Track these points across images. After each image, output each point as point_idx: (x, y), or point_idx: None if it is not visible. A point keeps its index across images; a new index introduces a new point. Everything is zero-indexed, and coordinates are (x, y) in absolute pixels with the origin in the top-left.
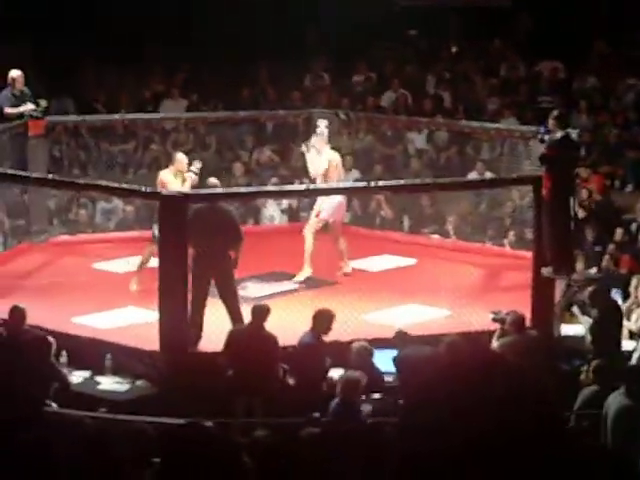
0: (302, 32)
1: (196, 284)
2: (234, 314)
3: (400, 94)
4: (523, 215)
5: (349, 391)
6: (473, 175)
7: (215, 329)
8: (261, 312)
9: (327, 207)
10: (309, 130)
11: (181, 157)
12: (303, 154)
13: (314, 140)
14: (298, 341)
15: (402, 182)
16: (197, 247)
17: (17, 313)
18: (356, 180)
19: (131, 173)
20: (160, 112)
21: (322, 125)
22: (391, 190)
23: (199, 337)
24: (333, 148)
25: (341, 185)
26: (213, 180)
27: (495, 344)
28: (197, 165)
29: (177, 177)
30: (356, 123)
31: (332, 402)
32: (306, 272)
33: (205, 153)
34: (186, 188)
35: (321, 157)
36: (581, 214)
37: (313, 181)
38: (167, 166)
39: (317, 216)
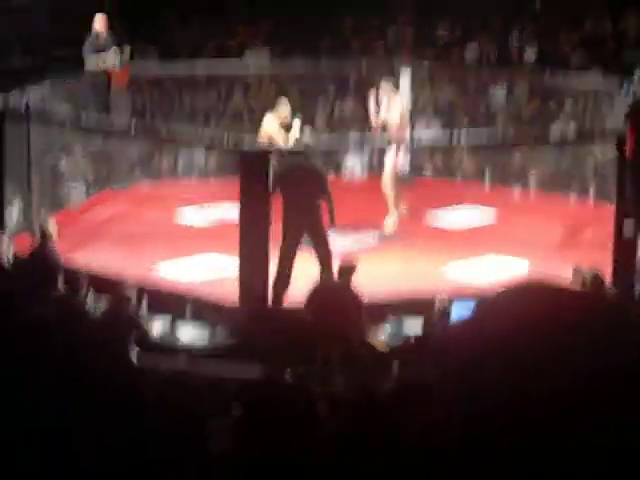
0: None
1: (287, 235)
2: (325, 264)
3: (484, 47)
4: (605, 170)
5: None
6: (557, 126)
7: (294, 284)
8: (348, 269)
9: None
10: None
11: (286, 103)
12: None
13: (386, 87)
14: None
15: (485, 136)
16: (286, 198)
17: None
18: (438, 132)
19: (213, 123)
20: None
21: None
22: (475, 144)
23: (287, 287)
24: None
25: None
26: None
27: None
28: (298, 122)
29: (281, 126)
30: (439, 74)
31: None
32: (393, 216)
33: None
34: (292, 137)
35: (393, 106)
36: None
37: (378, 128)
38: (264, 112)
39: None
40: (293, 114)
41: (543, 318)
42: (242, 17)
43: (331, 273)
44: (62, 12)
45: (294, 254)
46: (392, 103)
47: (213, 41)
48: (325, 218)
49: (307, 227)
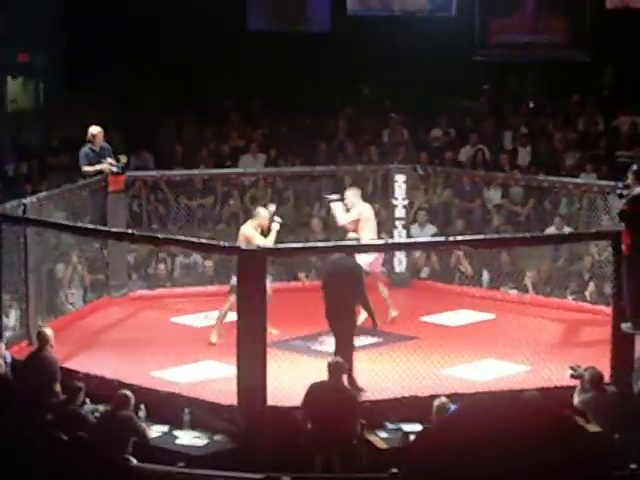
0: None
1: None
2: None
3: (477, 149)
4: (602, 270)
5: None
6: (551, 230)
7: (292, 383)
8: (337, 368)
9: (365, 259)
10: (387, 185)
11: (263, 212)
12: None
13: (348, 194)
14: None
15: (481, 237)
16: (328, 298)
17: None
18: (433, 235)
19: (210, 228)
20: (239, 167)
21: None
22: (470, 245)
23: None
24: (410, 202)
25: (422, 240)
26: (353, 234)
27: (576, 400)
28: (278, 220)
29: (261, 232)
30: (434, 178)
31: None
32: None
33: (283, 208)
34: (270, 241)
35: (352, 210)
36: None
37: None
38: (245, 221)
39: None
40: (272, 217)
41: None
42: (237, 123)
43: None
44: (58, 119)
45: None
46: (353, 209)
47: (208, 146)
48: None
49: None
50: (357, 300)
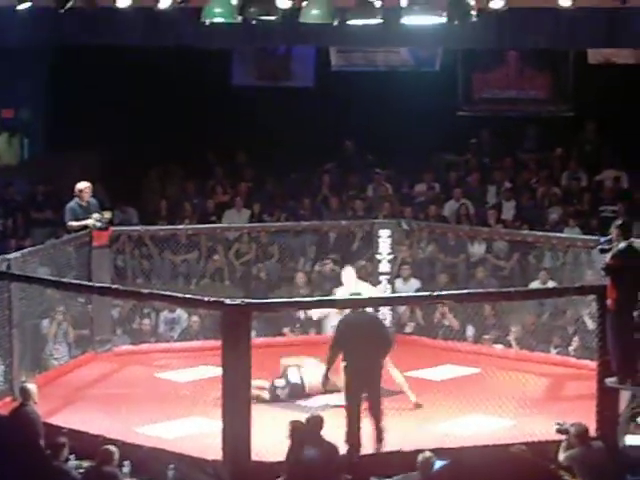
0: (363, 145)
1: (350, 396)
2: (376, 426)
3: (461, 204)
4: (586, 325)
5: None
6: (536, 284)
7: (275, 438)
8: (315, 423)
9: None
10: (371, 240)
11: None
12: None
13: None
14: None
15: (465, 291)
16: (349, 358)
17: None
18: (417, 290)
19: (194, 283)
20: (223, 222)
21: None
22: (455, 299)
23: (359, 451)
24: (394, 257)
25: (406, 295)
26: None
27: (562, 457)
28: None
29: None
30: (418, 232)
31: None
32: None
33: (268, 262)
34: None
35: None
36: None
37: None
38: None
39: None
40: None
41: None
42: (221, 177)
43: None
44: (42, 174)
45: (359, 416)
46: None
47: (192, 201)
48: None
49: (366, 387)
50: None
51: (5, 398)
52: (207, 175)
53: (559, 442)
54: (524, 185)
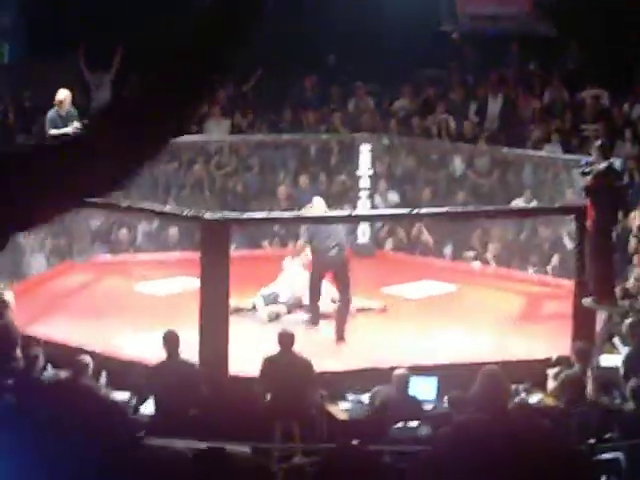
0: (345, 55)
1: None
2: (344, 304)
3: (442, 119)
4: (565, 244)
5: None
6: (519, 202)
7: (252, 350)
8: (287, 338)
9: None
10: (352, 154)
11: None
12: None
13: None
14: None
15: (445, 209)
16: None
17: None
18: (396, 205)
19: (173, 194)
20: (204, 132)
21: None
22: (434, 217)
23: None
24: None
25: (386, 212)
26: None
27: (553, 382)
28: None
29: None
30: (399, 147)
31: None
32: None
33: (248, 175)
34: None
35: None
36: (634, 244)
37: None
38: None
39: None
40: None
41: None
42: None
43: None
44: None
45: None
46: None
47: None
48: None
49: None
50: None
51: None
52: None
53: (535, 361)
54: (508, 101)
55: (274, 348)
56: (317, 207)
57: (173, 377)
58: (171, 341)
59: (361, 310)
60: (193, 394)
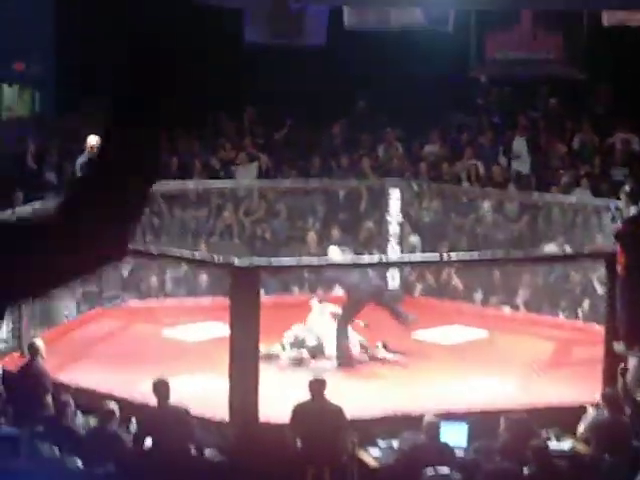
0: (376, 102)
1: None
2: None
3: (471, 164)
4: (595, 289)
5: None
6: (551, 246)
7: (285, 400)
8: (318, 385)
9: None
10: (382, 199)
11: None
12: None
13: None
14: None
15: (475, 255)
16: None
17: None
18: (416, 248)
19: (203, 240)
20: (232, 178)
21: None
22: (464, 264)
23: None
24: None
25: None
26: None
27: (583, 426)
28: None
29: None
30: (428, 192)
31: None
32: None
33: (275, 221)
34: None
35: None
36: None
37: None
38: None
39: None
40: None
41: None
42: (231, 135)
43: None
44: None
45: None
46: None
47: (200, 158)
48: None
49: None
50: None
51: (13, 354)
52: (217, 133)
53: (566, 407)
54: (535, 146)
55: (297, 393)
56: (333, 256)
57: (165, 423)
58: (161, 389)
59: (383, 360)
60: (187, 437)
